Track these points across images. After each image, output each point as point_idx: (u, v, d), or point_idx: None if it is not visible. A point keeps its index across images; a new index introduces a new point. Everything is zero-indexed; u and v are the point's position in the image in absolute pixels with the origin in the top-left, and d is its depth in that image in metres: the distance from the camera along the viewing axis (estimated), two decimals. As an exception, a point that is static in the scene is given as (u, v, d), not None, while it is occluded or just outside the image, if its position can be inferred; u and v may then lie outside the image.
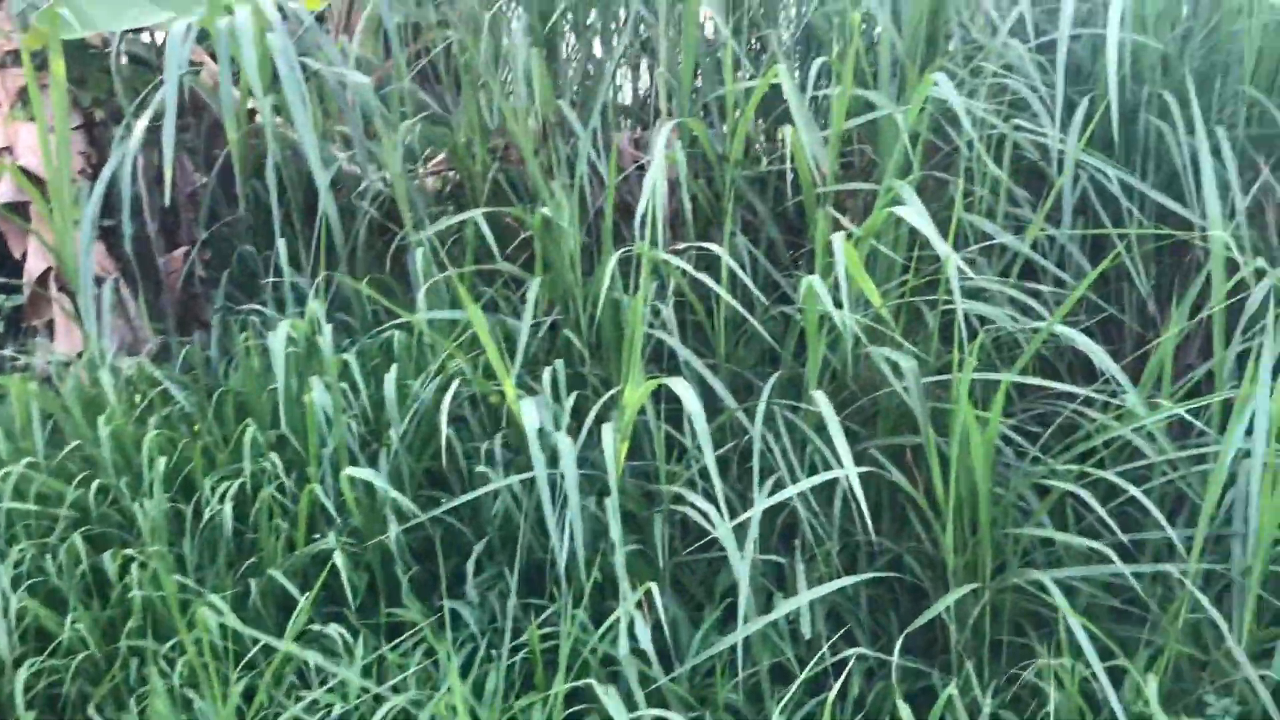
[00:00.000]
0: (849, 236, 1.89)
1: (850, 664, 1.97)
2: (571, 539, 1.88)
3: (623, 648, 1.74)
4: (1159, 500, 1.95)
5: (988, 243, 2.08)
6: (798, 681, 1.85)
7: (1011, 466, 1.95)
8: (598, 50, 2.82)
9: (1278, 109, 2.17)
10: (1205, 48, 2.27)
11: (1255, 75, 2.19)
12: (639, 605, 1.97)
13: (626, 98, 2.86)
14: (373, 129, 2.65)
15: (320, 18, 3.29)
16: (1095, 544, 1.74)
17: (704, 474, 2.12)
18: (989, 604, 1.89)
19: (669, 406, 2.11)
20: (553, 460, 1.99)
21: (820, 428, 1.99)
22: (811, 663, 1.86)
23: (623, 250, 2.08)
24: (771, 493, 1.90)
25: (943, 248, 1.78)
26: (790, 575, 1.94)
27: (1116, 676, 1.83)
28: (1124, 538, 1.75)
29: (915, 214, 1.81)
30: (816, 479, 1.82)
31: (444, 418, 1.96)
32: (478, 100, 2.58)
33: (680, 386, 1.81)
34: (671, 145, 2.24)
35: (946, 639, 1.98)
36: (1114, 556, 1.70)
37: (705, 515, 1.89)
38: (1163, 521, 1.69)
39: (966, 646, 1.94)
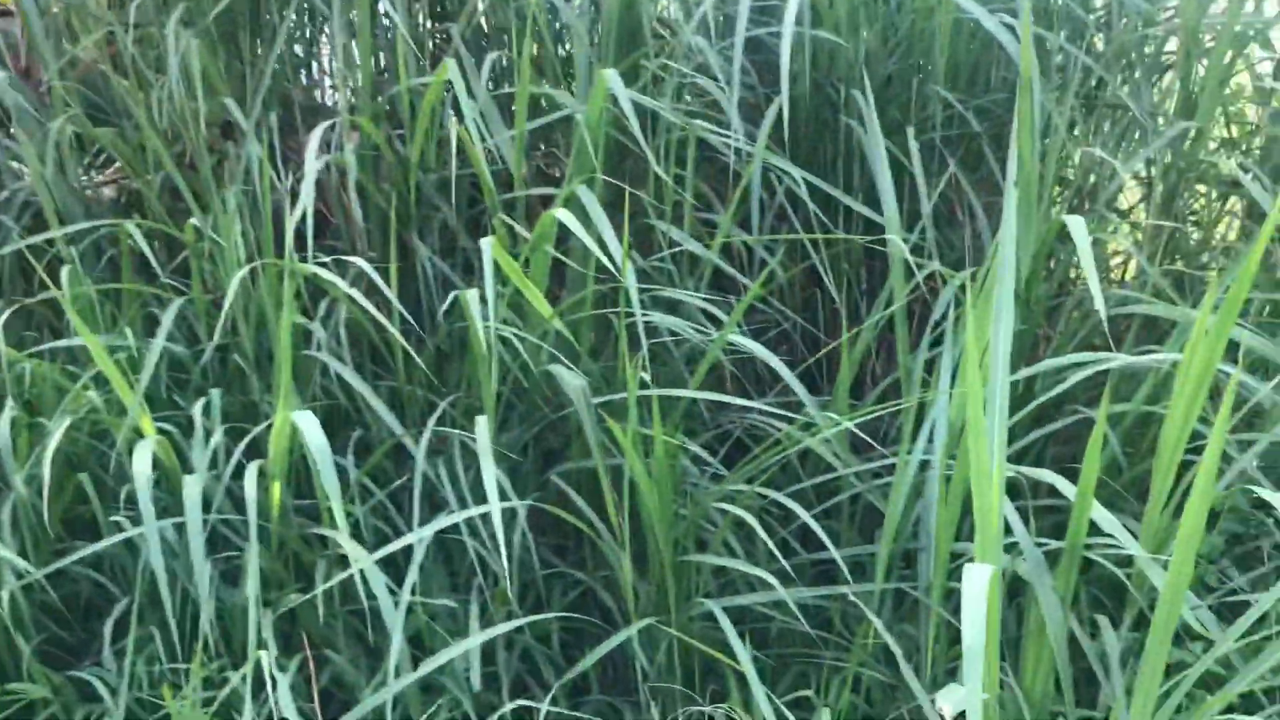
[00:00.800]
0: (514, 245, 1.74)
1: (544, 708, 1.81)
2: (212, 594, 1.66)
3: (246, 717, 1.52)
4: (850, 516, 1.87)
5: (677, 249, 1.95)
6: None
7: (698, 487, 1.83)
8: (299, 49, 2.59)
9: (969, 110, 2.14)
10: (903, 48, 2.23)
11: (948, 76, 2.16)
12: (306, 661, 1.77)
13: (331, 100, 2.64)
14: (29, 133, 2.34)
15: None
16: (757, 570, 1.63)
17: (377, 510, 1.93)
18: (678, 636, 1.76)
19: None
20: (208, 504, 1.78)
21: (501, 456, 1.84)
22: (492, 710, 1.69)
23: (267, 260, 1.85)
24: (442, 528, 1.72)
25: (605, 257, 1.64)
26: (463, 618, 1.76)
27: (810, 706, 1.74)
28: (784, 562, 1.64)
29: (574, 220, 1.66)
30: (467, 513, 1.64)
31: (47, 461, 1.69)
32: (149, 101, 2.31)
33: (304, 419, 1.60)
34: (343, 147, 2.04)
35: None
36: (775, 582, 1.58)
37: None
38: (826, 540, 1.58)
39: (659, 682, 1.80)
